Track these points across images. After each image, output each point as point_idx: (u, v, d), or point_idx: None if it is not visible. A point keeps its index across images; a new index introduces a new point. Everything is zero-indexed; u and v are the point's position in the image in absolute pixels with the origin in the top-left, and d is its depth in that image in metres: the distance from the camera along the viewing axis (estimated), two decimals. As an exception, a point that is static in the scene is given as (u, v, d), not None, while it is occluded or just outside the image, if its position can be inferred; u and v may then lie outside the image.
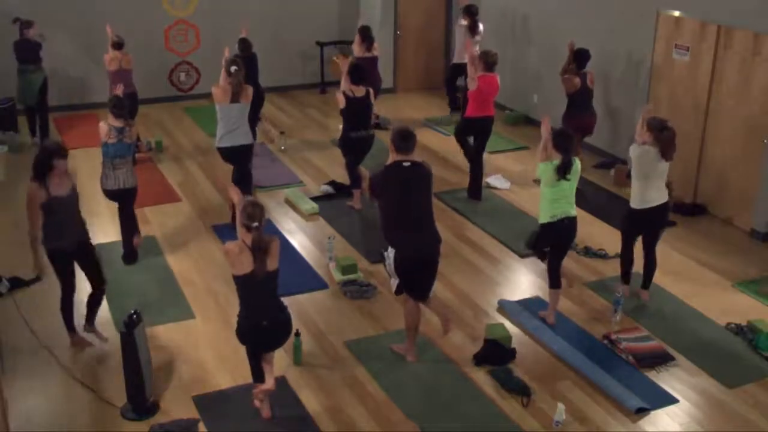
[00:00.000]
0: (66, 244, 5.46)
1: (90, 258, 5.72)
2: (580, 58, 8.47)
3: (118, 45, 8.96)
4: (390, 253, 5.23)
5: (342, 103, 7.70)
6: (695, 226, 7.90)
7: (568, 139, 5.72)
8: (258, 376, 4.89)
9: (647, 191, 6.06)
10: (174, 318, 6.16)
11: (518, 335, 5.99)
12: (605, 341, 5.89)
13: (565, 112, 8.56)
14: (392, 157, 5.19)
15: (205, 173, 9.16)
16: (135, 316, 5.01)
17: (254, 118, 9.49)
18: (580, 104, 8.46)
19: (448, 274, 6.70)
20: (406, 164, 5.12)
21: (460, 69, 10.48)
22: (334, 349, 5.83)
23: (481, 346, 5.77)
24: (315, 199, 8.35)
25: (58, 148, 5.32)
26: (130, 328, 4.91)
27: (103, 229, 7.46)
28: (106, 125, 6.58)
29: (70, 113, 11.08)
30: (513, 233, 7.59)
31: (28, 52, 9.63)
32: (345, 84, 7.74)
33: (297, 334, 5.59)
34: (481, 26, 10.42)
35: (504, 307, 6.37)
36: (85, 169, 9.14)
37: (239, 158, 7.41)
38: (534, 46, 10.74)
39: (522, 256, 7.23)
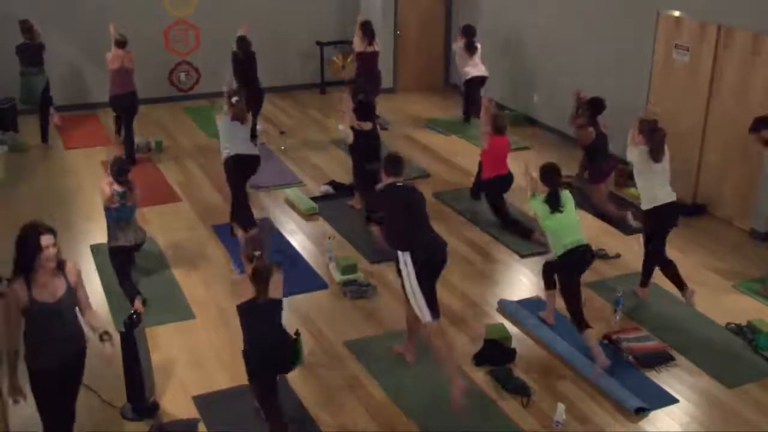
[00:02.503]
0: (51, 364, 4.21)
1: (73, 387, 4.42)
2: (595, 107, 7.97)
3: (121, 43, 8.95)
4: (405, 260, 5.07)
5: (350, 138, 7.71)
6: (695, 226, 7.89)
7: (555, 173, 5.75)
8: (274, 415, 4.72)
9: (652, 190, 6.16)
10: (174, 318, 6.17)
11: (518, 335, 5.99)
12: (605, 341, 5.89)
13: (587, 164, 8.16)
14: (385, 181, 5.42)
15: (205, 173, 9.16)
16: (135, 316, 5.01)
17: (254, 118, 9.50)
18: (600, 152, 8.07)
19: (448, 275, 6.68)
20: (399, 184, 5.39)
21: (473, 84, 10.50)
22: (334, 349, 5.83)
23: (481, 346, 5.77)
24: (315, 199, 8.35)
25: (42, 224, 4.12)
26: (130, 328, 4.92)
27: (104, 229, 7.44)
28: (108, 189, 6.24)
29: (70, 113, 11.07)
30: (514, 233, 7.60)
31: (31, 54, 9.61)
32: (351, 120, 7.71)
33: (297, 334, 5.59)
34: (479, 46, 10.39)
35: (504, 307, 6.38)
36: (86, 169, 9.16)
37: (247, 169, 7.24)
38: (534, 46, 10.73)
39: (522, 256, 7.23)
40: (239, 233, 5.24)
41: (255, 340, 4.63)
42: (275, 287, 4.64)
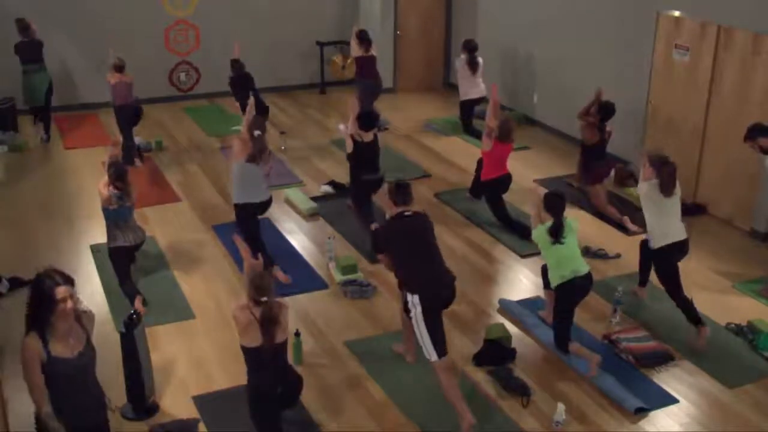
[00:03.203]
0: (72, 427, 3.73)
1: None
2: (606, 111, 7.98)
3: (119, 68, 8.81)
4: (413, 301, 4.96)
5: (350, 147, 7.50)
6: (695, 226, 7.88)
7: (559, 201, 5.57)
8: None
9: (662, 228, 5.95)
10: (174, 318, 6.16)
11: (518, 335, 5.99)
12: (605, 341, 5.90)
13: (582, 162, 8.20)
14: (392, 211, 5.21)
15: (205, 173, 9.16)
16: (135, 316, 5.01)
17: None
18: (597, 155, 8.09)
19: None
20: (407, 213, 5.16)
21: (470, 105, 10.50)
22: (334, 349, 5.83)
23: (481, 346, 5.77)
24: (315, 199, 8.35)
25: (59, 273, 3.65)
26: (130, 328, 4.92)
27: (105, 228, 7.46)
28: (106, 191, 6.19)
29: (70, 113, 11.08)
30: (513, 233, 7.60)
31: (30, 51, 9.63)
32: (353, 128, 7.49)
33: (297, 334, 5.60)
34: (480, 60, 10.32)
35: (504, 307, 6.38)
36: (86, 169, 9.16)
37: (258, 213, 6.86)
38: (534, 45, 10.73)
39: (522, 256, 7.24)
40: (244, 254, 4.98)
41: (261, 385, 4.55)
42: (282, 330, 4.47)
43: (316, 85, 12.61)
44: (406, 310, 5.16)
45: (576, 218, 5.79)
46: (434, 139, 10.44)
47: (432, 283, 5.04)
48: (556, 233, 5.49)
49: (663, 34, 8.51)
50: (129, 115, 9.03)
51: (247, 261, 4.87)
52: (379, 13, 12.18)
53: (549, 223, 5.53)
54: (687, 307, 5.96)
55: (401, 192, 5.21)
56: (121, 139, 9.12)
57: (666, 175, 5.88)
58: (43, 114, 9.90)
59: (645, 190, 6.00)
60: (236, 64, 9.56)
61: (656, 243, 6.00)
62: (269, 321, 4.36)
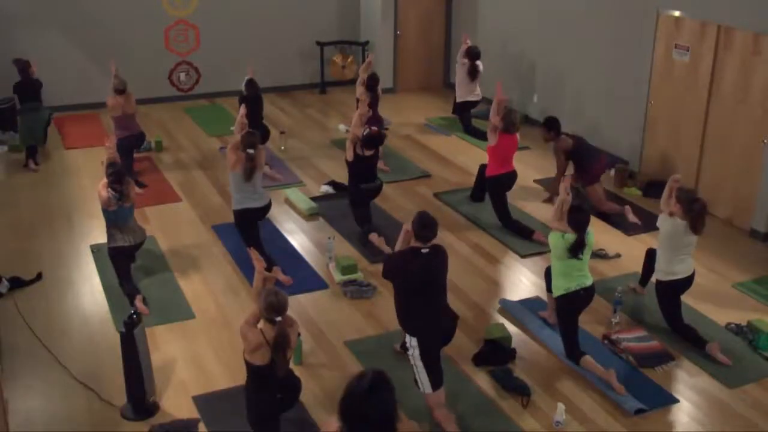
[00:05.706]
0: None
1: None
2: (550, 126, 8.04)
3: (120, 90, 8.53)
4: (411, 343, 4.96)
5: (350, 156, 7.43)
6: (695, 226, 7.89)
7: (584, 217, 5.45)
8: None
9: (673, 264, 5.85)
10: (174, 318, 6.16)
11: (518, 335, 5.99)
12: (605, 341, 5.90)
13: (576, 163, 8.13)
14: (411, 241, 5.05)
15: (205, 173, 9.16)
16: (135, 316, 5.01)
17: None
18: (584, 154, 8.09)
19: (449, 275, 6.67)
20: (424, 251, 4.96)
21: (468, 106, 10.49)
22: (334, 349, 5.83)
23: (481, 346, 5.77)
24: (315, 199, 8.35)
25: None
26: (130, 328, 4.92)
27: (104, 228, 7.47)
28: (105, 193, 6.18)
29: (70, 113, 11.08)
30: (513, 234, 7.60)
31: (30, 91, 9.38)
32: (354, 138, 7.39)
33: (297, 334, 5.59)
34: (481, 68, 10.30)
35: (504, 307, 6.38)
36: (86, 169, 9.16)
37: (256, 218, 6.95)
38: (534, 45, 10.73)
39: (522, 256, 7.24)
40: (258, 265, 4.90)
41: (261, 393, 4.52)
42: (292, 347, 4.44)
43: (316, 85, 12.62)
44: (404, 348, 5.12)
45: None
46: (434, 139, 10.43)
47: (430, 327, 4.98)
48: (577, 250, 5.42)
49: (663, 34, 8.51)
50: (131, 145, 8.79)
51: (259, 274, 4.80)
52: (379, 13, 12.19)
53: (571, 237, 5.41)
54: (687, 334, 5.90)
55: (425, 228, 4.92)
56: (115, 139, 9.06)
57: (697, 214, 5.71)
58: (32, 148, 9.44)
59: (669, 226, 5.82)
60: (251, 84, 9.36)
61: (662, 277, 5.94)
62: (282, 345, 4.29)
